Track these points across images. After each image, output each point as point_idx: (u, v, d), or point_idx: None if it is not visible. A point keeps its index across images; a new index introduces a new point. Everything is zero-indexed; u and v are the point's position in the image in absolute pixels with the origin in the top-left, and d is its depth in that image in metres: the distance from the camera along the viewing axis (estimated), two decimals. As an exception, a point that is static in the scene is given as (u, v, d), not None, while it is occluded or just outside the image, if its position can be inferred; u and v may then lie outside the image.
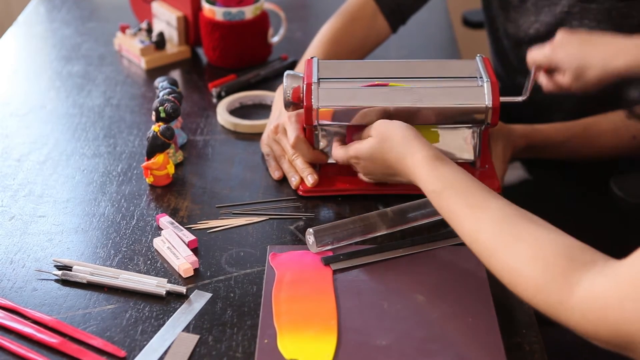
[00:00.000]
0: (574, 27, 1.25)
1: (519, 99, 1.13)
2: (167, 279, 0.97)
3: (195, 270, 1.00)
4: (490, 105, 1.07)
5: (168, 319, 0.92)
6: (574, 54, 1.09)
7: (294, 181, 1.14)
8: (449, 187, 0.92)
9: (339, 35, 1.33)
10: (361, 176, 1.11)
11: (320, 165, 1.15)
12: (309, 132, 1.12)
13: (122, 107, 1.38)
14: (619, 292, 0.71)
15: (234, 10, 1.45)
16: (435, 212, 1.06)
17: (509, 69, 1.43)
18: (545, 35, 1.29)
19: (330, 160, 1.14)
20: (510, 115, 1.28)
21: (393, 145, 1.00)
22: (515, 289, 0.82)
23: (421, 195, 1.12)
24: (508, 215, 0.85)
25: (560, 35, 1.12)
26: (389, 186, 1.12)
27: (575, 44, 1.10)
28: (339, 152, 1.10)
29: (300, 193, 1.13)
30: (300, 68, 1.27)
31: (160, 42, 1.51)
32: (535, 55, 1.14)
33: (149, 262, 1.01)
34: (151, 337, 0.90)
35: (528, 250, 0.80)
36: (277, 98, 1.26)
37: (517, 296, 0.82)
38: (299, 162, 1.14)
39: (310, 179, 1.12)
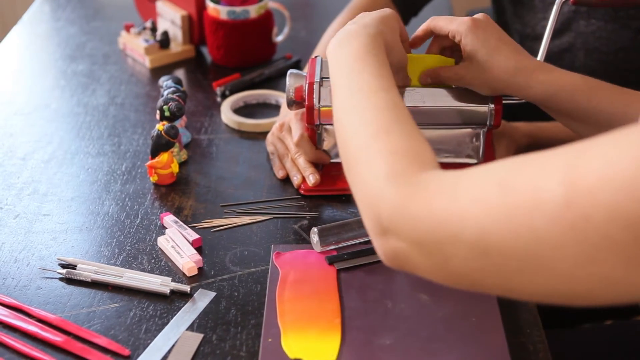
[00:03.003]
0: (581, 26, 1.25)
1: (522, 99, 1.13)
2: (171, 278, 0.97)
3: (200, 269, 1.00)
4: (492, 107, 1.07)
5: (172, 318, 0.92)
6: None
7: (295, 180, 1.14)
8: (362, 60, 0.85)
9: None
10: None
11: (322, 165, 1.15)
12: (311, 131, 1.13)
13: (127, 106, 1.38)
14: (464, 184, 0.66)
15: (238, 9, 1.45)
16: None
17: None
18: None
19: (332, 160, 1.15)
20: (513, 113, 1.28)
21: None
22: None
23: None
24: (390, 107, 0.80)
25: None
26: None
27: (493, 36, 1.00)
28: None
29: (302, 192, 1.13)
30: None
31: (165, 41, 1.51)
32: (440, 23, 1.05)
33: (153, 260, 1.01)
34: (155, 336, 0.90)
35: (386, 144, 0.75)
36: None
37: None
38: (302, 161, 1.14)
39: (311, 179, 1.12)
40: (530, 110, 1.30)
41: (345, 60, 0.86)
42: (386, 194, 0.71)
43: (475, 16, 1.01)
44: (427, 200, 0.68)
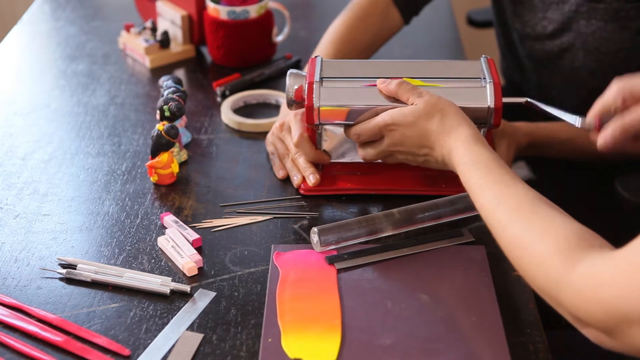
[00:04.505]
0: (582, 26, 1.25)
1: (522, 100, 1.13)
2: (171, 278, 0.97)
3: (200, 269, 1.00)
4: (492, 106, 1.06)
5: (172, 318, 0.92)
6: None
7: (295, 180, 1.14)
8: (482, 163, 0.93)
9: (352, 32, 1.32)
10: (379, 154, 1.06)
11: (322, 165, 1.15)
12: (311, 131, 1.13)
13: (127, 105, 1.38)
14: (615, 272, 0.73)
15: (238, 9, 1.45)
16: (442, 215, 1.06)
17: (518, 63, 1.43)
18: (551, 34, 1.29)
19: (332, 160, 1.15)
20: (513, 113, 1.28)
21: (444, 117, 0.99)
22: (520, 262, 0.83)
23: (423, 196, 1.12)
24: (530, 197, 0.87)
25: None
26: (391, 185, 1.12)
27: None
28: (368, 124, 1.05)
29: (302, 192, 1.13)
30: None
31: (165, 41, 1.51)
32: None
33: (153, 260, 1.01)
34: (155, 336, 0.90)
35: (541, 226, 0.82)
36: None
37: (523, 281, 0.83)
38: (302, 161, 1.14)
39: (312, 179, 1.12)
40: (530, 110, 1.30)
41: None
42: (562, 282, 0.77)
43: None
44: (598, 285, 0.74)
